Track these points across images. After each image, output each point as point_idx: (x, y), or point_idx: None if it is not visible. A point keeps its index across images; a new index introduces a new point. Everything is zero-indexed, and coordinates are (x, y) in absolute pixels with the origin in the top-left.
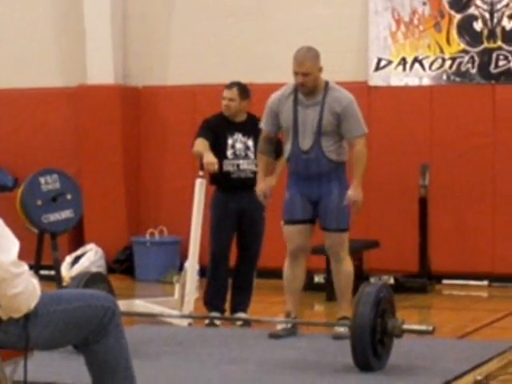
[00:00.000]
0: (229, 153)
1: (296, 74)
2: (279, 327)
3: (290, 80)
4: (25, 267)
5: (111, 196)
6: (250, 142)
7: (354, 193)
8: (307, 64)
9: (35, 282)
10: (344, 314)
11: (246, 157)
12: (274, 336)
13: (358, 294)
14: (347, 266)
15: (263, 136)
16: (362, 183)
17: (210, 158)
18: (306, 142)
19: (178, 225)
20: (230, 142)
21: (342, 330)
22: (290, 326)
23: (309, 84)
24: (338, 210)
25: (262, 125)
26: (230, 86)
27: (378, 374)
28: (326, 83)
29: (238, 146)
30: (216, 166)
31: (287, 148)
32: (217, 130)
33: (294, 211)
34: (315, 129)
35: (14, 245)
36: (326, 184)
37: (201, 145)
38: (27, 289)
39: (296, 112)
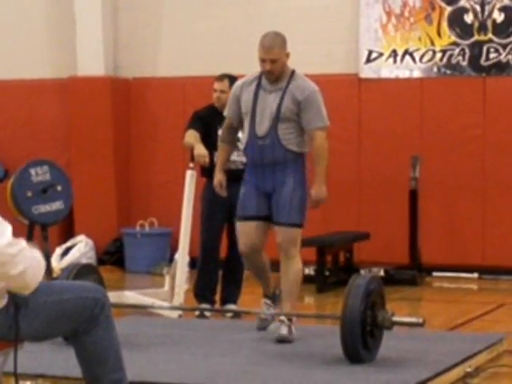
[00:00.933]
0: None
1: (263, 60)
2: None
3: None
4: (22, 244)
5: (101, 187)
6: (240, 134)
7: (317, 191)
8: (276, 50)
9: (37, 254)
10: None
11: (236, 148)
12: (263, 328)
13: (348, 286)
14: (297, 265)
15: (226, 124)
16: (326, 180)
17: (201, 151)
18: (262, 128)
19: (168, 216)
20: (220, 133)
21: (284, 332)
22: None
23: (277, 71)
24: (291, 203)
25: (226, 113)
26: (220, 77)
27: (367, 365)
28: (293, 71)
29: None
30: (207, 159)
31: (244, 135)
32: (207, 122)
33: (247, 207)
34: (273, 114)
35: (5, 228)
36: (280, 174)
37: (192, 136)
38: (31, 265)
39: (257, 96)
